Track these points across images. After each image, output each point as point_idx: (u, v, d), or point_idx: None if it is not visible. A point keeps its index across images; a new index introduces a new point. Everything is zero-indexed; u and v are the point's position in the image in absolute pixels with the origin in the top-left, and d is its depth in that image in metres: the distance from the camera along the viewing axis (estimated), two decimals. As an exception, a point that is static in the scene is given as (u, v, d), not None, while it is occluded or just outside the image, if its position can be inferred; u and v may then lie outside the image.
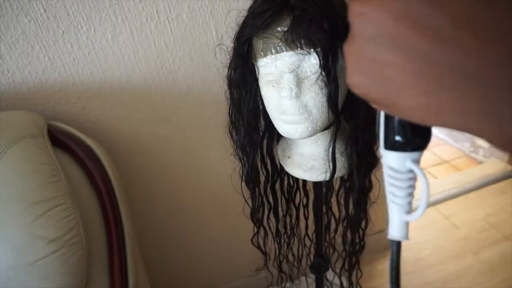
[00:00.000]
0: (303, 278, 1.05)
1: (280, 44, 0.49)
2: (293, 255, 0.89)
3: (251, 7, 0.53)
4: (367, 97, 0.25)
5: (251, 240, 0.79)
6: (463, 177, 1.88)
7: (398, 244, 0.30)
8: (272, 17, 0.48)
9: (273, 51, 0.50)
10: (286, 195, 0.77)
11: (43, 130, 0.68)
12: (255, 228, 0.77)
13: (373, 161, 0.62)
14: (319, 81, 0.50)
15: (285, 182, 0.76)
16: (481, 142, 2.05)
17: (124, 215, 0.73)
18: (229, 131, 0.65)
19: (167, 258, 1.12)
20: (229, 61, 0.59)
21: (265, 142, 0.66)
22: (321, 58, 0.48)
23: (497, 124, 0.19)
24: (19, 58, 0.73)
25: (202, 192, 1.05)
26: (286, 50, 0.49)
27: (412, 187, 0.28)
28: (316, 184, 0.73)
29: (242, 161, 0.67)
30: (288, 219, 0.82)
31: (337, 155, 0.60)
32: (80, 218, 0.63)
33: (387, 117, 0.27)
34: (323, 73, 0.49)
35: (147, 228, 1.03)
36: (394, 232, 0.29)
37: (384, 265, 1.42)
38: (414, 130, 0.26)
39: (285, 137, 0.68)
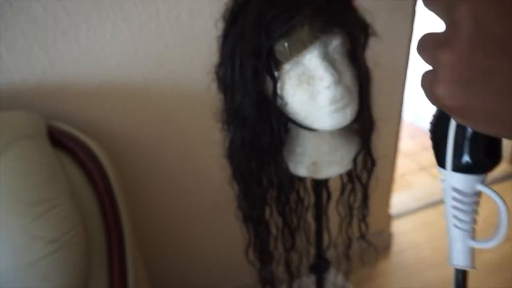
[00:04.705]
0: (303, 279, 1.05)
1: (308, 37, 0.48)
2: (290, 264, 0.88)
3: (250, 11, 0.51)
4: (456, 109, 0.21)
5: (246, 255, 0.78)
6: (464, 178, 1.87)
7: (463, 273, 0.26)
8: (296, 16, 0.47)
9: (302, 47, 0.49)
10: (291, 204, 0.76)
11: (43, 130, 0.68)
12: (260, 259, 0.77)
13: (373, 124, 0.63)
14: (345, 60, 0.52)
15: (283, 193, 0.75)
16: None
17: (124, 215, 0.73)
18: (233, 178, 0.64)
19: (167, 258, 1.12)
20: (229, 93, 0.57)
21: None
22: (352, 38, 0.51)
23: None
24: (19, 58, 0.73)
25: (201, 192, 1.05)
26: (316, 40, 0.49)
27: (477, 211, 0.26)
28: (318, 183, 0.73)
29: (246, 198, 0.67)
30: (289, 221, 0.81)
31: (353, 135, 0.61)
32: (79, 218, 0.63)
33: (457, 136, 0.24)
34: (350, 51, 0.52)
35: (147, 228, 1.03)
36: (458, 260, 0.26)
37: (384, 266, 1.42)
38: (486, 150, 0.24)
39: (292, 153, 0.64)
